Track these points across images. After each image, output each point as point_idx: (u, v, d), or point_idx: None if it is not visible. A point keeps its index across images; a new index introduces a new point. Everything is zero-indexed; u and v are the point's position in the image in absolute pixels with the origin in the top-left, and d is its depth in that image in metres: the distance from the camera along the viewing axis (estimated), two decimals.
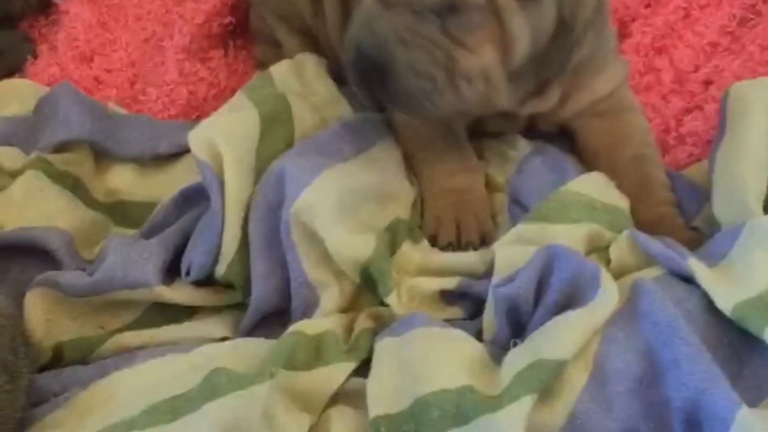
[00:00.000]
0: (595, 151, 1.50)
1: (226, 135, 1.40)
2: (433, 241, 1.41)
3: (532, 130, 1.52)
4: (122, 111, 1.68)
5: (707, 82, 1.64)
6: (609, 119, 1.50)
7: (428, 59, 1.30)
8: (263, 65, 1.67)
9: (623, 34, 1.72)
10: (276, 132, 1.43)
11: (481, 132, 1.51)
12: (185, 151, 1.55)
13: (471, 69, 1.32)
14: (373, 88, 1.33)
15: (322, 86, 1.53)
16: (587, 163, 1.49)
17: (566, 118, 1.50)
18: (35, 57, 1.81)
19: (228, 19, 1.82)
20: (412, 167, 1.48)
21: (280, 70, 1.53)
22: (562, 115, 1.50)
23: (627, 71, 1.54)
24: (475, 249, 1.39)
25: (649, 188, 1.45)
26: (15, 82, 1.73)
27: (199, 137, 1.40)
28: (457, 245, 1.40)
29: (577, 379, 1.16)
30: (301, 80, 1.53)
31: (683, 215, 1.45)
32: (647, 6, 1.76)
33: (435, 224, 1.42)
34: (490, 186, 1.48)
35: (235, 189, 1.36)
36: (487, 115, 1.47)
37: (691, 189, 1.48)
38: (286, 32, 1.68)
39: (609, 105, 1.50)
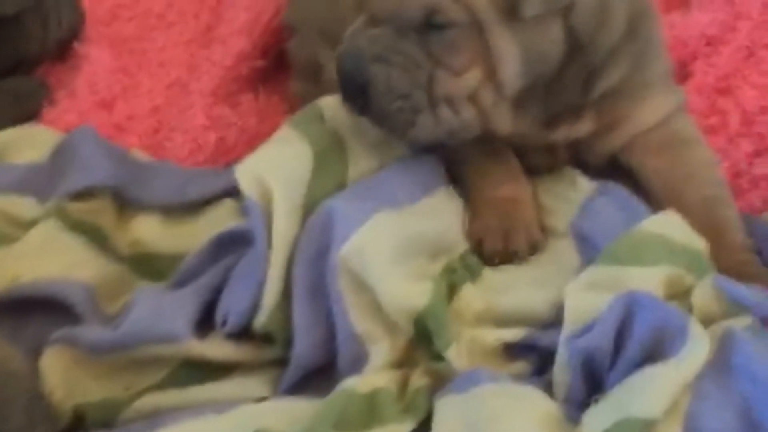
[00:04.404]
0: (658, 194, 1.40)
1: (277, 171, 1.31)
2: (479, 250, 1.31)
3: (581, 165, 1.43)
4: (146, 157, 1.58)
5: None
6: (668, 155, 1.41)
7: (407, 78, 1.26)
8: (299, 103, 1.58)
9: (683, 73, 1.63)
10: (329, 171, 1.34)
11: (532, 167, 1.43)
12: (214, 199, 1.47)
13: (454, 91, 1.27)
14: (357, 107, 1.29)
15: None
16: (653, 208, 1.36)
17: (613, 150, 1.42)
18: (51, 103, 1.72)
19: (258, 63, 1.76)
20: (457, 178, 1.39)
21: (330, 104, 1.42)
22: (608, 146, 1.42)
23: (682, 101, 1.45)
24: (523, 259, 1.31)
25: (723, 233, 1.34)
26: (30, 129, 1.64)
27: (247, 172, 1.31)
28: (504, 255, 1.31)
29: None
30: (353, 117, 1.41)
31: (764, 262, 1.33)
32: (708, 44, 1.67)
33: (481, 232, 1.33)
34: (550, 234, 1.36)
35: (283, 231, 1.27)
36: (524, 147, 1.40)
37: None
38: (330, 53, 1.58)
39: (664, 138, 1.41)
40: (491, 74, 1.27)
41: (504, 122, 1.32)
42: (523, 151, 1.42)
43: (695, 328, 1.11)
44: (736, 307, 1.18)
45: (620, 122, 1.40)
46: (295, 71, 1.74)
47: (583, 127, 1.38)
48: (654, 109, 1.41)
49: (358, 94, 1.28)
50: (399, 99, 1.26)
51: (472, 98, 1.28)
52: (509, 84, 1.27)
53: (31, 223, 1.43)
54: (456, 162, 1.41)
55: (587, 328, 1.15)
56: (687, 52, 1.66)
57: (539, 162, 1.43)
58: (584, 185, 1.40)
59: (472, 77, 1.27)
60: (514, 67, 1.26)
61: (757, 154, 1.51)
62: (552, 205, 1.40)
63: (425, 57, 1.26)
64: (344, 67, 1.28)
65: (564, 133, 1.39)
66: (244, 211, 1.33)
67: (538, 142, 1.40)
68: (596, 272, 1.22)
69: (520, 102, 1.31)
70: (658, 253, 1.22)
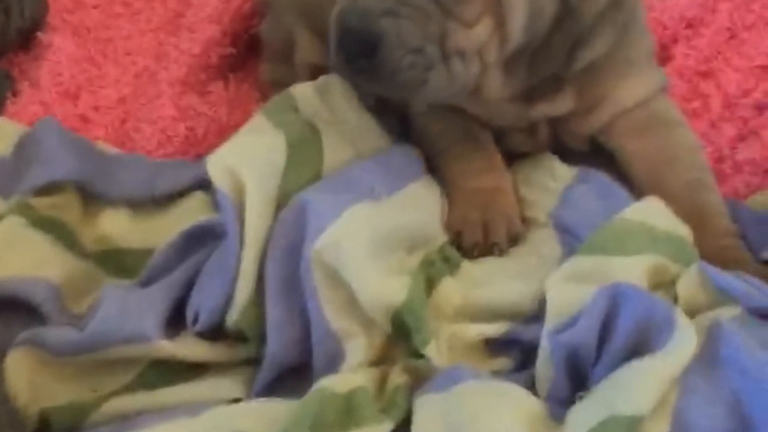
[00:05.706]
0: (640, 178, 1.37)
1: (250, 162, 1.26)
2: (458, 241, 1.29)
3: (560, 150, 1.41)
4: (113, 149, 1.53)
5: (760, 107, 1.51)
6: (650, 137, 1.38)
7: (419, 32, 1.21)
8: (270, 90, 1.54)
9: (664, 57, 1.60)
10: (303, 162, 1.30)
11: (512, 150, 1.41)
12: (184, 192, 1.43)
13: (465, 44, 1.24)
14: (360, 68, 1.23)
15: (353, 114, 1.38)
16: (635, 193, 1.34)
17: (593, 131, 1.40)
18: (15, 95, 1.66)
19: (228, 50, 1.71)
20: (435, 169, 1.37)
21: (304, 93, 1.38)
22: (588, 127, 1.39)
23: (664, 83, 1.42)
24: (503, 250, 1.29)
25: (706, 218, 1.31)
26: None
27: (219, 163, 1.27)
28: (484, 247, 1.28)
29: None
30: (328, 106, 1.38)
31: (749, 248, 1.30)
32: (688, 26, 1.64)
33: (460, 223, 1.30)
34: (531, 225, 1.34)
35: (256, 224, 1.22)
36: (504, 128, 1.39)
37: (756, 219, 1.33)
38: (305, 31, 1.56)
39: (646, 120, 1.38)
40: (500, 26, 1.24)
41: (495, 85, 1.29)
42: (503, 132, 1.40)
43: (682, 320, 1.08)
44: (722, 296, 1.14)
45: (601, 101, 1.38)
46: (266, 54, 1.70)
47: (564, 104, 1.36)
48: (635, 87, 1.38)
49: (361, 55, 1.22)
50: (411, 54, 1.21)
51: (479, 53, 1.25)
52: (514, 37, 1.24)
53: None
54: (435, 151, 1.38)
55: (571, 322, 1.11)
56: (667, 35, 1.63)
57: (519, 144, 1.41)
58: (564, 173, 1.37)
59: (483, 29, 1.24)
60: (521, 18, 1.23)
61: (740, 138, 1.49)
62: (531, 196, 1.37)
63: (436, 8, 1.22)
64: (349, 25, 1.22)
65: (544, 110, 1.36)
66: (215, 204, 1.30)
67: (518, 121, 1.38)
68: (578, 263, 1.18)
69: (508, 67, 1.28)
70: (641, 242, 1.19)
